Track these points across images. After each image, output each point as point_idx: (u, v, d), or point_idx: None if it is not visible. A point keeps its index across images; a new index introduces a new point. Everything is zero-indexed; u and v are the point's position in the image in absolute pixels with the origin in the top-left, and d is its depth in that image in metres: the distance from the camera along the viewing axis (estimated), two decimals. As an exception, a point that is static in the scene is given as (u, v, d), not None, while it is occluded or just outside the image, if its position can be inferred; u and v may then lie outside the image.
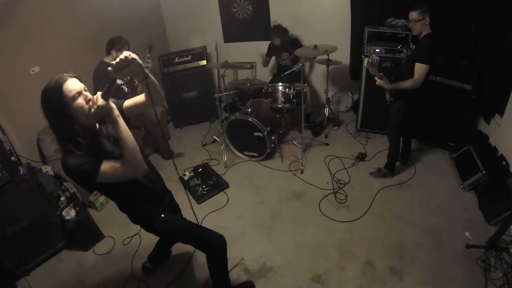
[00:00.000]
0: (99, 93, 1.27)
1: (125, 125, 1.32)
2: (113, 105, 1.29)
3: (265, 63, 4.09)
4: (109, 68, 1.22)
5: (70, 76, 1.29)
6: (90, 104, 1.28)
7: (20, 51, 2.78)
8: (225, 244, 1.81)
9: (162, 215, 1.70)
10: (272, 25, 3.91)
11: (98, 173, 1.29)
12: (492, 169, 2.62)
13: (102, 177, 1.31)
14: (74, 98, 1.27)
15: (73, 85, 1.28)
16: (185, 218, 1.93)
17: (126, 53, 1.23)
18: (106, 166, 1.31)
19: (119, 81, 2.88)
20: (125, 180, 1.38)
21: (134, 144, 1.33)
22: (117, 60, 1.21)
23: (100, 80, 2.81)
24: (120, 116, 1.32)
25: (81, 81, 1.33)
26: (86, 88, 1.32)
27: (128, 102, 1.52)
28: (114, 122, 1.30)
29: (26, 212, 2.30)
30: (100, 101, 1.25)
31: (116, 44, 2.83)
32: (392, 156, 2.94)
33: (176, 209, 1.97)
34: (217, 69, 3.51)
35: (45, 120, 1.32)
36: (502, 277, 1.99)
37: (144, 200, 1.65)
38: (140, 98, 1.51)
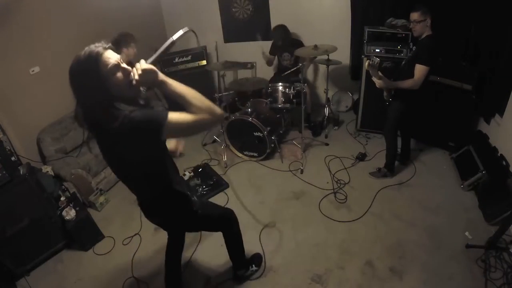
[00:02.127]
0: (142, 60, 1.19)
1: (174, 81, 1.20)
2: (154, 68, 1.18)
3: (269, 62, 4.06)
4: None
5: (105, 47, 1.17)
6: (132, 75, 1.18)
7: (20, 51, 2.79)
8: (235, 215, 1.94)
9: (194, 197, 1.64)
10: (274, 25, 3.89)
11: (167, 119, 1.14)
12: (492, 169, 2.62)
13: (172, 126, 1.15)
14: (113, 72, 1.15)
15: (110, 57, 1.15)
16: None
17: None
18: (174, 114, 1.16)
19: None
20: (199, 129, 1.26)
21: (197, 93, 1.21)
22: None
23: None
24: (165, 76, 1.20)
25: (115, 51, 1.22)
26: (122, 60, 1.21)
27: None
28: (163, 83, 1.18)
29: (26, 212, 2.30)
30: (145, 65, 1.16)
31: (122, 42, 2.72)
32: (389, 156, 2.94)
33: None
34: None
35: (79, 101, 1.19)
36: (502, 277, 1.99)
37: (179, 179, 1.58)
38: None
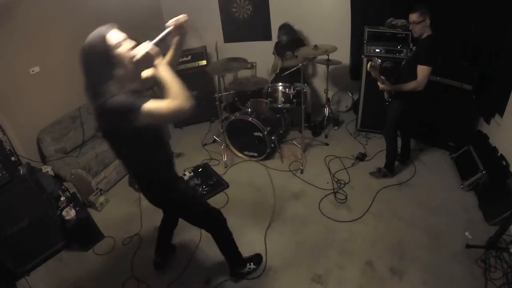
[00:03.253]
0: (147, 41, 1.31)
1: (166, 69, 1.35)
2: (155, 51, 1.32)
3: (276, 66, 4.02)
4: (170, 23, 1.41)
5: (111, 27, 1.31)
6: (135, 51, 1.30)
7: (20, 51, 2.79)
8: (222, 215, 1.96)
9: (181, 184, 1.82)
10: (277, 24, 3.88)
11: (141, 107, 1.25)
12: (492, 169, 2.62)
13: (146, 114, 1.26)
14: (119, 45, 1.28)
15: (116, 34, 1.30)
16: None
17: (184, 16, 1.41)
18: (150, 103, 1.27)
19: None
20: (172, 118, 1.38)
21: (178, 85, 1.33)
22: (180, 18, 1.41)
23: None
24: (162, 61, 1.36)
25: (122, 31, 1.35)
26: (127, 37, 1.34)
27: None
28: (159, 66, 1.32)
29: (26, 212, 2.29)
30: (150, 47, 1.29)
31: None
32: (390, 156, 2.94)
33: None
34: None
35: (86, 77, 1.30)
36: (502, 277, 2.00)
37: (167, 163, 1.69)
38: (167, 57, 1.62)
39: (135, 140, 1.41)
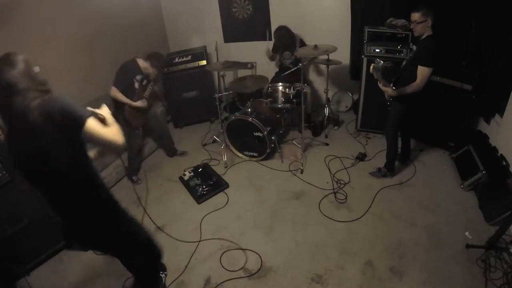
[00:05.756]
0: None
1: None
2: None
3: (272, 58, 4.06)
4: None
5: None
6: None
7: (20, 51, 2.77)
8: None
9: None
10: (275, 26, 3.89)
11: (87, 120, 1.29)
12: (492, 169, 2.62)
13: (88, 128, 1.29)
14: None
15: None
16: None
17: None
18: (93, 121, 1.31)
19: (138, 77, 2.98)
20: (104, 151, 1.46)
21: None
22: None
23: (124, 74, 2.91)
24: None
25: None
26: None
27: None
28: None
29: (26, 212, 2.29)
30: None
31: (156, 61, 3.01)
32: (390, 155, 2.94)
33: None
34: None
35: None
36: (502, 277, 1.99)
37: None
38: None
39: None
